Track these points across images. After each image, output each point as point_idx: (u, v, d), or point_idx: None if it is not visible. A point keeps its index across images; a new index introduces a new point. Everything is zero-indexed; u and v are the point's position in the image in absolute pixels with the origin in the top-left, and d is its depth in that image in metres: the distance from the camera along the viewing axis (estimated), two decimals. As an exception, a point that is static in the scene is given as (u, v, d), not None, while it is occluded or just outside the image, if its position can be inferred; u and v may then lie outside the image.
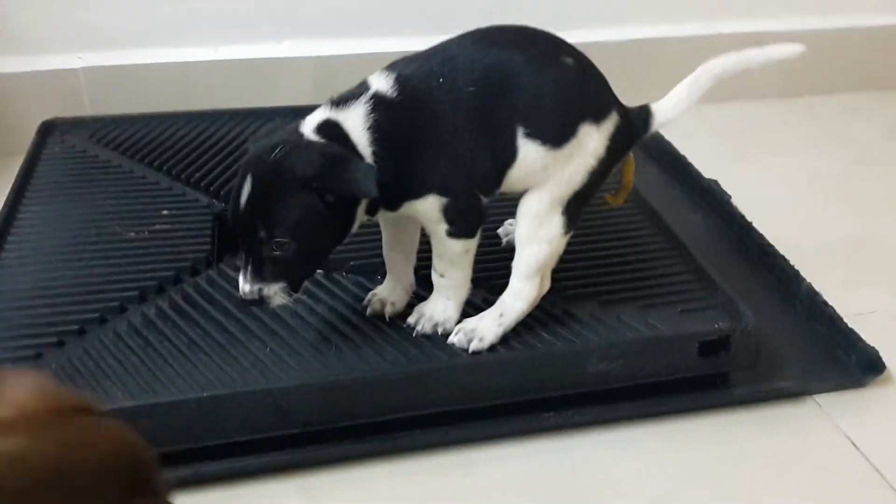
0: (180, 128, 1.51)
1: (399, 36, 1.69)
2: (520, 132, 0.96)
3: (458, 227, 0.99)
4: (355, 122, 0.94)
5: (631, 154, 1.10)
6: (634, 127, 1.03)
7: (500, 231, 1.24)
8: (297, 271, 0.96)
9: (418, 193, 0.96)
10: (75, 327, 1.06)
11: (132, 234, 1.24)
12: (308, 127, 0.95)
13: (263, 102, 1.60)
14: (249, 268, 0.95)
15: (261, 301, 0.96)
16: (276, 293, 0.95)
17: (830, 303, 1.22)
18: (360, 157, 0.94)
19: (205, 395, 0.95)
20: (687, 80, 1.04)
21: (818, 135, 1.84)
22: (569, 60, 0.98)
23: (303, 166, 0.91)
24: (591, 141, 0.98)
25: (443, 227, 0.99)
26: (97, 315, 1.08)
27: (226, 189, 1.35)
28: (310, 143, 0.94)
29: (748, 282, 1.30)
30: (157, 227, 1.26)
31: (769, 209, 1.46)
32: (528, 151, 0.96)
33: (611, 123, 1.00)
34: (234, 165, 1.40)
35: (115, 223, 1.26)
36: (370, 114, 0.94)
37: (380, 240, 1.20)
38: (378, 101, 0.94)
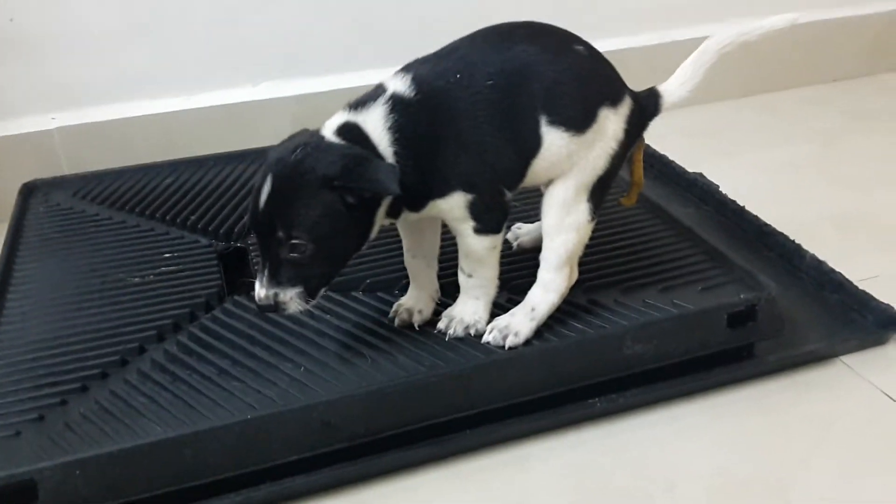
0: (166, 177, 1.49)
1: (376, 68, 1.69)
2: (543, 121, 0.97)
3: (484, 223, 0.99)
4: (375, 124, 0.94)
5: (640, 152, 1.12)
6: (646, 109, 1.05)
7: (509, 236, 1.24)
8: (314, 276, 0.94)
9: (443, 192, 0.96)
10: (97, 371, 1.02)
11: (137, 279, 1.21)
12: (328, 130, 0.95)
13: (244, 146, 1.59)
14: (266, 272, 0.93)
15: (276, 307, 0.94)
16: (291, 299, 0.93)
17: (834, 272, 1.25)
18: (382, 158, 0.94)
19: (249, 417, 0.92)
20: (691, 58, 1.06)
21: (782, 126, 1.90)
22: (580, 48, 1.00)
23: (324, 166, 0.91)
24: (611, 124, 1.00)
25: (469, 225, 0.99)
26: (117, 357, 1.05)
27: (224, 229, 1.33)
28: (331, 144, 0.94)
29: (751, 262, 1.31)
30: (162, 269, 1.23)
31: (753, 197, 1.49)
32: (553, 140, 0.97)
33: (626, 106, 1.02)
34: (229, 206, 1.39)
35: (117, 271, 1.23)
36: (390, 114, 0.94)
37: (394, 256, 1.21)
38: (396, 102, 0.94)
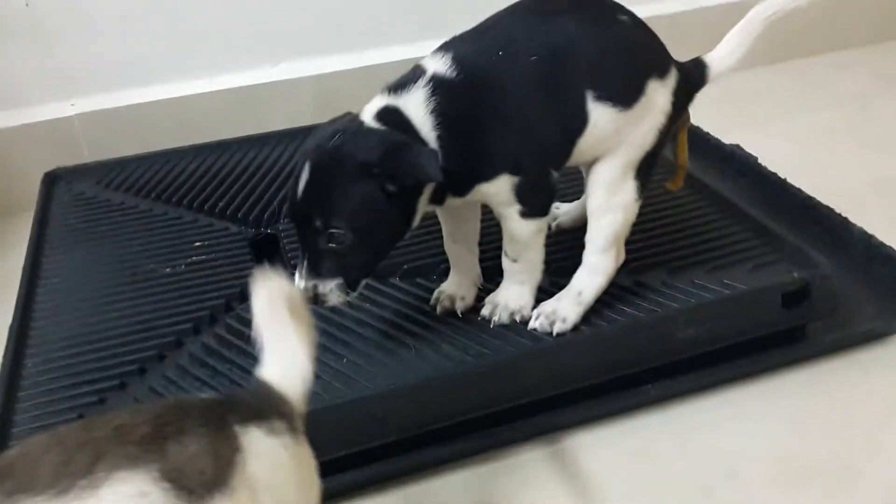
0: (190, 162, 1.46)
1: (396, 45, 1.67)
2: (589, 96, 0.93)
3: (531, 206, 0.95)
4: (416, 107, 0.90)
5: (685, 132, 1.08)
6: (692, 80, 1.00)
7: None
8: (354, 267, 0.91)
9: (489, 175, 0.92)
10: (135, 367, 1.00)
11: (168, 269, 1.18)
12: (368, 115, 0.91)
13: (265, 128, 1.55)
14: (305, 263, 0.90)
15: (315, 299, 0.91)
16: (331, 290, 0.91)
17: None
18: (424, 143, 0.90)
19: (296, 413, 0.89)
20: (738, 27, 1.02)
21: (815, 93, 1.85)
22: (625, 17, 0.96)
23: (363, 152, 0.87)
24: (659, 97, 0.96)
25: (515, 209, 0.95)
26: (154, 353, 1.02)
27: (254, 215, 1.30)
28: (370, 129, 0.90)
29: (797, 237, 1.28)
30: (193, 259, 1.20)
31: (789, 166, 1.44)
32: (600, 116, 0.93)
33: (673, 78, 0.98)
34: (256, 191, 1.36)
35: (147, 261, 1.20)
36: (431, 97, 0.90)
37: (431, 241, 1.17)
38: (438, 83, 0.90)
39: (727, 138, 1.52)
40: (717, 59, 1.02)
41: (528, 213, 0.95)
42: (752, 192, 1.40)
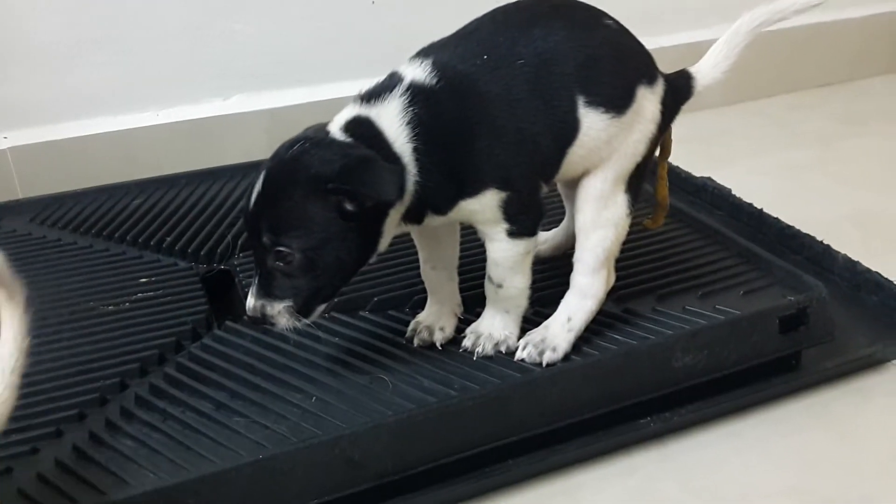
0: (134, 197, 1.35)
1: (351, 79, 1.59)
2: (580, 101, 0.86)
3: (519, 224, 0.87)
4: (391, 118, 0.83)
5: (664, 168, 1.04)
6: (679, 91, 0.96)
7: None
8: (305, 291, 0.83)
9: (474, 190, 0.85)
10: (72, 412, 0.88)
11: (111, 307, 1.07)
12: (336, 125, 0.84)
13: (216, 163, 1.46)
14: (257, 280, 0.83)
15: (264, 320, 0.83)
16: (279, 313, 0.83)
17: (866, 272, 1.16)
18: (396, 158, 0.83)
19: (260, 457, 0.78)
20: (723, 39, 0.98)
21: (775, 132, 1.84)
22: (610, 22, 0.91)
23: (319, 165, 0.79)
24: (649, 104, 0.91)
25: (502, 228, 0.88)
26: (95, 395, 0.91)
27: (205, 251, 1.20)
28: (333, 140, 0.82)
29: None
30: (139, 295, 1.09)
31: (764, 202, 1.41)
32: (592, 122, 0.87)
33: (660, 86, 0.93)
34: (207, 226, 1.26)
35: (87, 299, 1.09)
36: (409, 106, 0.83)
37: (402, 270, 1.09)
38: (416, 91, 0.83)
39: (695, 174, 1.48)
40: (703, 70, 0.98)
41: (515, 232, 0.88)
42: (727, 224, 1.36)
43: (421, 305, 1.01)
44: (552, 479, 0.87)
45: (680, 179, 1.49)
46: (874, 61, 2.13)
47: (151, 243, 1.22)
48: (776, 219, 1.31)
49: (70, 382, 0.92)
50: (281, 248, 0.80)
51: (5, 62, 1.39)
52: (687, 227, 1.20)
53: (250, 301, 0.83)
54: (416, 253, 1.02)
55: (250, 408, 0.87)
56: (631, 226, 1.15)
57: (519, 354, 0.91)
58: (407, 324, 0.99)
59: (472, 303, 1.00)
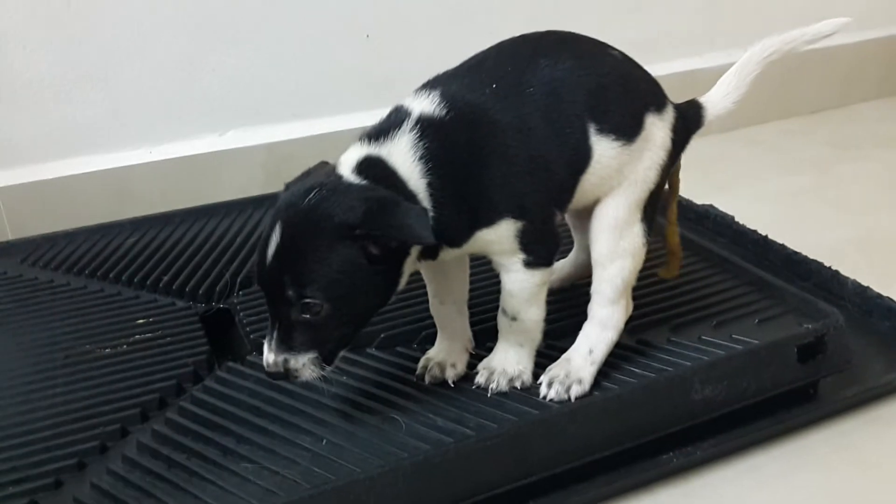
0: (128, 236, 1.32)
1: (348, 113, 1.59)
2: (591, 129, 0.85)
3: (535, 254, 0.85)
4: (402, 155, 0.81)
5: (673, 212, 1.02)
6: (689, 120, 0.94)
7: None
8: (330, 339, 0.81)
9: (490, 220, 0.83)
10: (71, 462, 0.84)
11: (107, 350, 1.03)
12: (346, 167, 0.81)
13: (212, 199, 1.43)
14: (276, 334, 0.80)
15: (286, 375, 0.80)
16: (304, 365, 0.80)
17: (878, 296, 1.15)
18: (412, 195, 0.81)
19: (272, 505, 0.75)
20: (734, 69, 0.97)
21: (772, 158, 1.84)
22: (616, 52, 0.90)
23: (343, 212, 0.77)
24: (658, 132, 0.89)
25: (518, 258, 0.85)
26: (95, 443, 0.87)
27: (203, 289, 1.17)
28: (350, 185, 0.80)
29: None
30: (137, 338, 1.06)
31: (766, 228, 1.40)
32: (604, 150, 0.86)
33: (670, 114, 0.91)
34: (205, 264, 1.23)
35: (82, 342, 1.05)
36: (419, 141, 0.81)
37: (409, 305, 1.06)
38: (426, 125, 0.81)
39: (698, 202, 1.47)
40: (713, 100, 0.97)
41: (532, 262, 0.85)
42: (732, 251, 1.34)
43: (429, 341, 0.99)
44: (575, 520, 0.83)
45: (682, 207, 1.46)
46: (863, 87, 2.14)
47: (148, 283, 1.19)
48: (782, 245, 1.30)
49: (68, 430, 0.89)
50: (308, 300, 0.77)
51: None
52: (695, 255, 1.19)
53: (269, 356, 0.80)
54: (421, 287, 1.00)
55: (258, 453, 0.84)
56: (643, 272, 1.15)
57: (545, 392, 0.89)
58: (416, 360, 0.96)
59: (483, 337, 0.98)
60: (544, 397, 0.88)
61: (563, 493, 0.84)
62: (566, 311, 1.03)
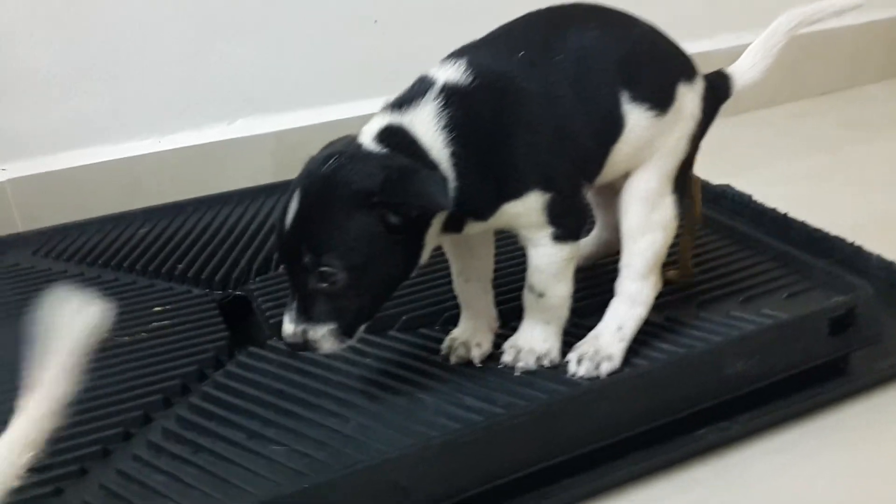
0: (140, 226, 1.30)
1: (357, 100, 1.57)
2: (624, 97, 0.83)
3: (564, 227, 0.84)
4: (426, 124, 0.79)
5: (692, 237, 1.01)
6: (718, 90, 0.93)
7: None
8: (349, 310, 0.79)
9: (517, 192, 0.81)
10: (95, 448, 0.83)
11: (126, 338, 1.02)
12: (367, 136, 0.80)
13: (223, 188, 1.41)
14: (295, 304, 0.79)
15: (306, 346, 0.79)
16: (323, 336, 0.79)
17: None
18: (433, 165, 0.79)
19: (305, 486, 0.73)
20: (760, 39, 0.95)
21: (784, 140, 1.82)
22: (643, 23, 0.88)
23: (361, 179, 0.75)
24: (689, 102, 0.88)
25: (546, 232, 0.84)
26: (119, 430, 0.85)
27: (219, 276, 1.15)
28: (369, 153, 0.78)
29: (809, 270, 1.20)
30: (154, 325, 1.04)
31: (785, 208, 1.39)
32: (637, 120, 0.84)
33: (700, 84, 0.90)
34: (219, 252, 1.21)
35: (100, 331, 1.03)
36: (444, 110, 0.79)
37: (429, 287, 1.05)
38: (451, 93, 0.79)
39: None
40: (741, 71, 0.95)
41: (560, 235, 0.84)
42: (754, 229, 1.33)
43: (451, 322, 0.97)
44: (607, 499, 0.82)
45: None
46: (872, 67, 2.12)
47: (162, 271, 1.17)
48: (802, 222, 1.28)
49: (90, 417, 0.87)
50: (325, 269, 0.76)
51: (2, 92, 1.35)
52: (716, 232, 1.17)
53: (289, 327, 0.79)
54: (442, 269, 0.99)
55: (286, 435, 0.82)
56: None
57: (574, 369, 0.87)
58: (439, 341, 0.95)
59: (508, 316, 0.96)
60: (573, 374, 0.86)
61: (598, 471, 0.82)
62: (590, 289, 1.01)
